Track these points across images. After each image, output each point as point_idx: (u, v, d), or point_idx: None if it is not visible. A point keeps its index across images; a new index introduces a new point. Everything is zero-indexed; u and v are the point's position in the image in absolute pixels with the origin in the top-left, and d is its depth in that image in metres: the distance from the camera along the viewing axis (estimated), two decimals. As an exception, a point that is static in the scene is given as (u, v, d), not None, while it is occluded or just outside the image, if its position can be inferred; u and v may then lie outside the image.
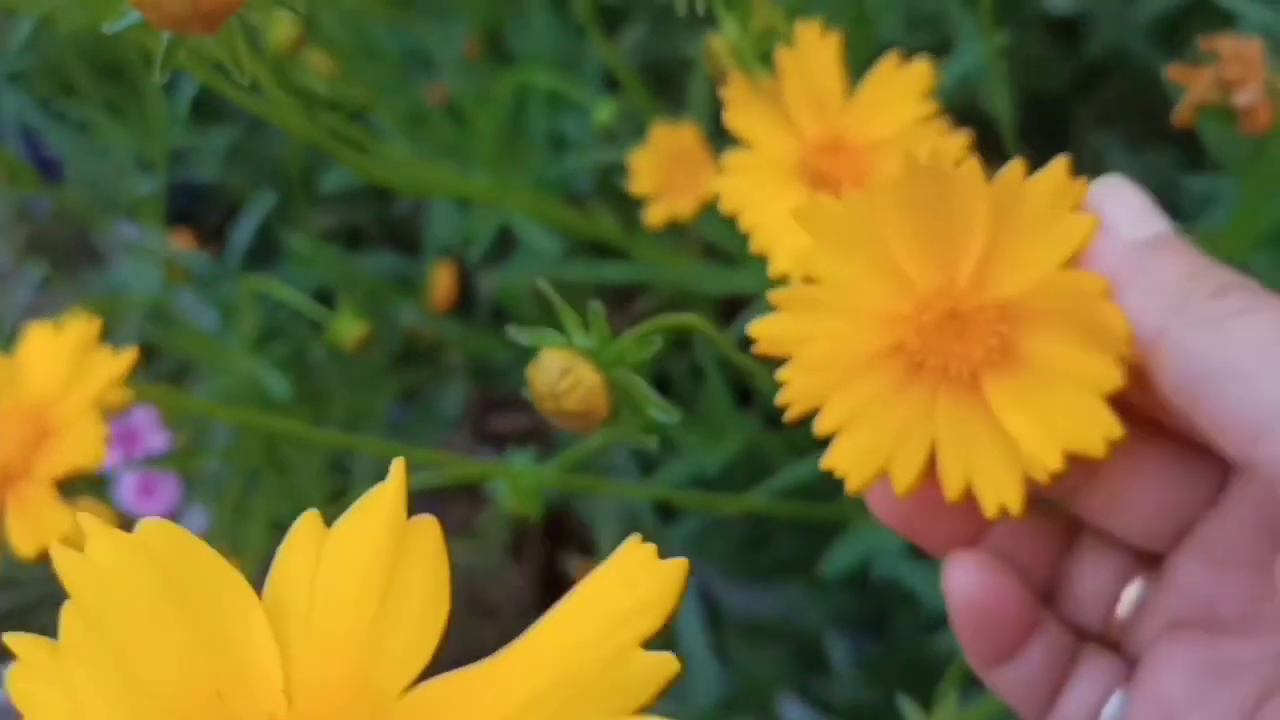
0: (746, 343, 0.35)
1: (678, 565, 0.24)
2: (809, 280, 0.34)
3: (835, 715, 0.96)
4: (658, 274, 0.74)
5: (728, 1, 0.45)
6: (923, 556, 0.89)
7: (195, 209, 1.03)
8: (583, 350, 0.35)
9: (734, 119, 0.46)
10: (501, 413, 1.18)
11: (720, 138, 0.77)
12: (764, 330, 0.34)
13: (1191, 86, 0.55)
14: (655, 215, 0.69)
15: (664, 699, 0.82)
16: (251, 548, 0.74)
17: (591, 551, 1.00)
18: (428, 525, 0.26)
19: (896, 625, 1.01)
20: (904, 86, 0.46)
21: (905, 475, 0.34)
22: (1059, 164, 0.32)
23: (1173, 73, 0.56)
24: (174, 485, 0.73)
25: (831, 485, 0.79)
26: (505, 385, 1.12)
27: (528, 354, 0.97)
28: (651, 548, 0.24)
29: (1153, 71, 0.66)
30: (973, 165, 0.32)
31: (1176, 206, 0.96)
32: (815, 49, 0.44)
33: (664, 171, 0.70)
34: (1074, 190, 0.32)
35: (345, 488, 0.85)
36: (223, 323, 0.88)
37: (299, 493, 0.82)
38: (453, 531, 0.87)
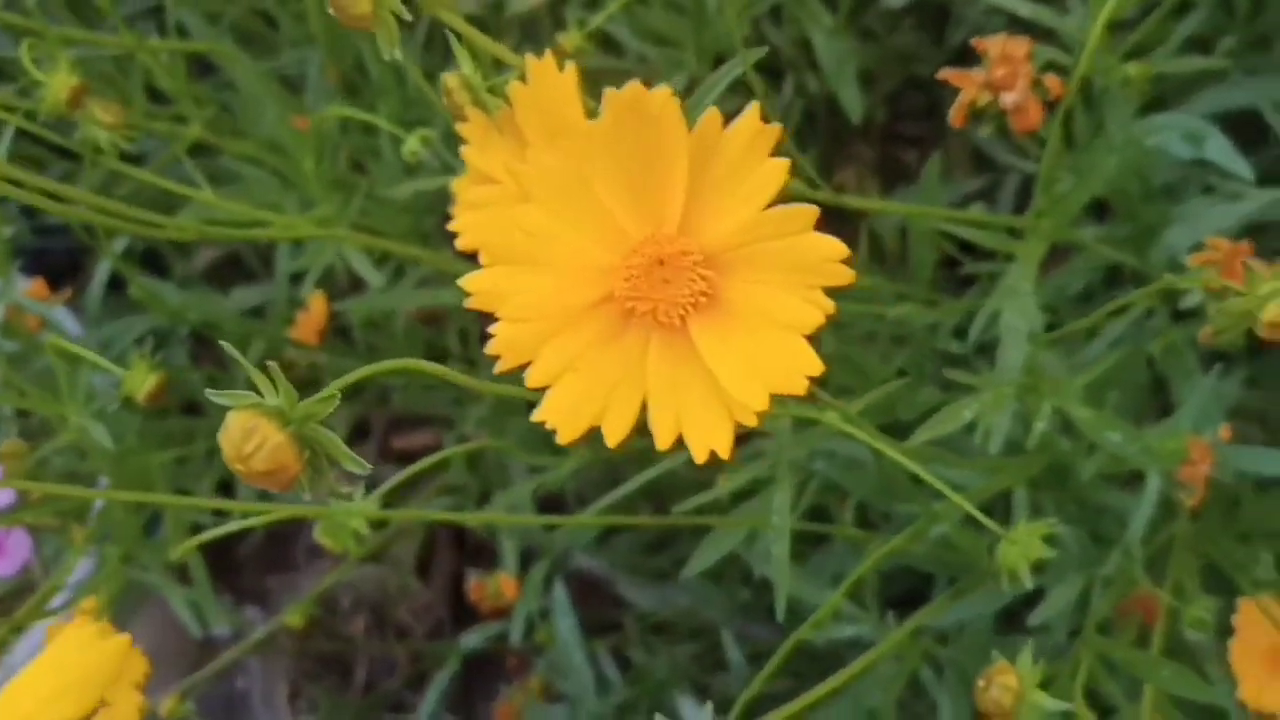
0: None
1: (115, 646, 0.25)
2: (523, 234, 0.34)
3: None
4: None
5: (459, 37, 0.45)
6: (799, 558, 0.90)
7: (47, 254, 1.02)
8: (269, 410, 0.35)
9: (473, 155, 0.46)
10: (405, 432, 1.19)
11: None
12: (474, 284, 0.35)
13: (963, 89, 0.56)
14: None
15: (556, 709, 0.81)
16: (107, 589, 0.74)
17: (498, 562, 1.01)
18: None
19: (792, 618, 1.01)
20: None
21: (617, 426, 0.35)
22: (751, 111, 0.32)
23: (944, 76, 0.57)
24: (23, 538, 0.74)
25: (695, 484, 0.79)
26: (406, 405, 1.12)
27: (413, 378, 0.96)
28: (94, 627, 0.25)
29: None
30: (672, 109, 0.33)
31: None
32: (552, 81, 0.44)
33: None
34: (767, 136, 0.33)
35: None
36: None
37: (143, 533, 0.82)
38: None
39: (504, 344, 0.35)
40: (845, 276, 0.33)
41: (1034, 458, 0.73)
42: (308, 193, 0.72)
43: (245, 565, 1.19)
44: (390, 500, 0.70)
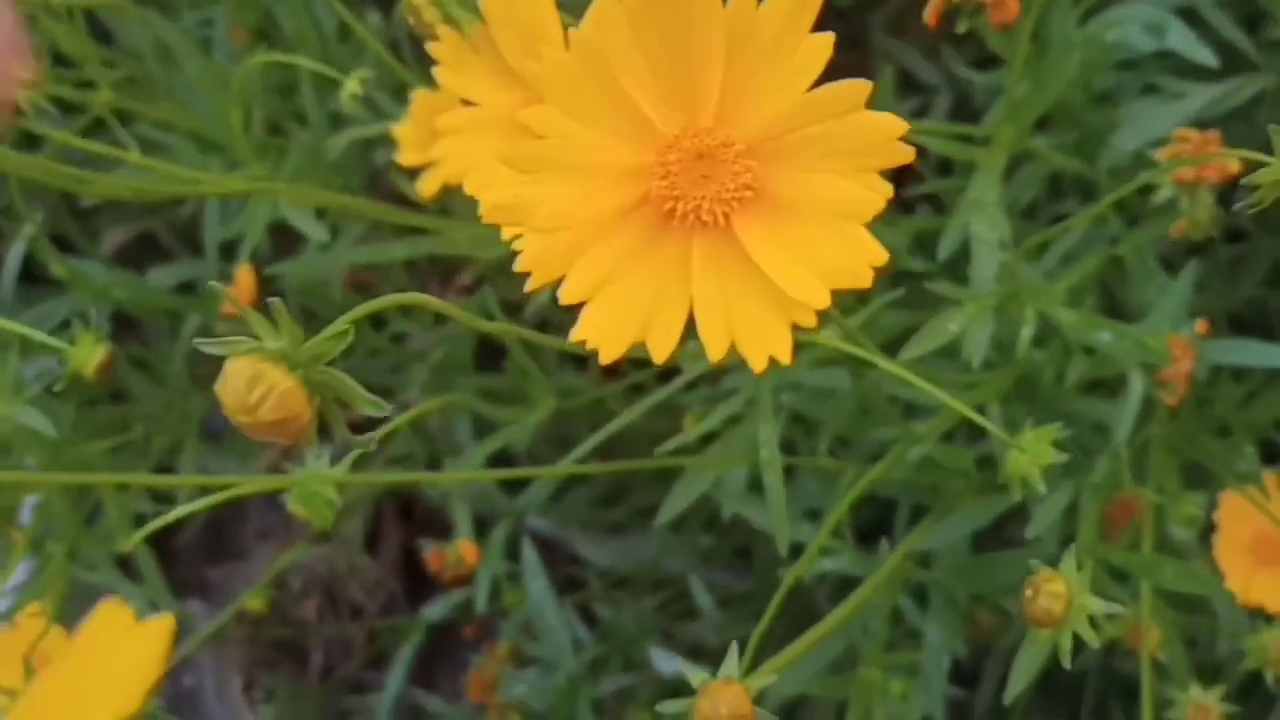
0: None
1: (159, 627, 0.21)
2: (542, 137, 0.31)
3: (706, 658, 0.96)
4: (446, 245, 0.71)
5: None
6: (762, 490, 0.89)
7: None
8: (273, 354, 0.32)
9: (448, 77, 0.43)
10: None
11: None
12: (495, 196, 0.31)
13: (938, -14, 0.55)
14: (427, 186, 0.66)
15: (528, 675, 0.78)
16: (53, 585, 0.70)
17: (448, 532, 0.98)
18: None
19: (759, 559, 1.00)
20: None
21: (664, 341, 0.32)
22: None
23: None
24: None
25: (665, 431, 0.77)
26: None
27: (354, 344, 0.93)
28: (129, 611, 0.21)
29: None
30: None
31: (972, 101, 0.96)
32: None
33: (431, 140, 0.67)
34: (808, 9, 0.30)
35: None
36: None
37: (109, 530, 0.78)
38: (306, 535, 0.83)
39: (534, 259, 0.31)
40: (906, 155, 0.30)
41: (1007, 371, 0.72)
42: (234, 154, 0.68)
43: (183, 557, 1.14)
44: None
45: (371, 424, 0.35)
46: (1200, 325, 0.66)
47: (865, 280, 0.30)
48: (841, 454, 0.90)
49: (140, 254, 1.08)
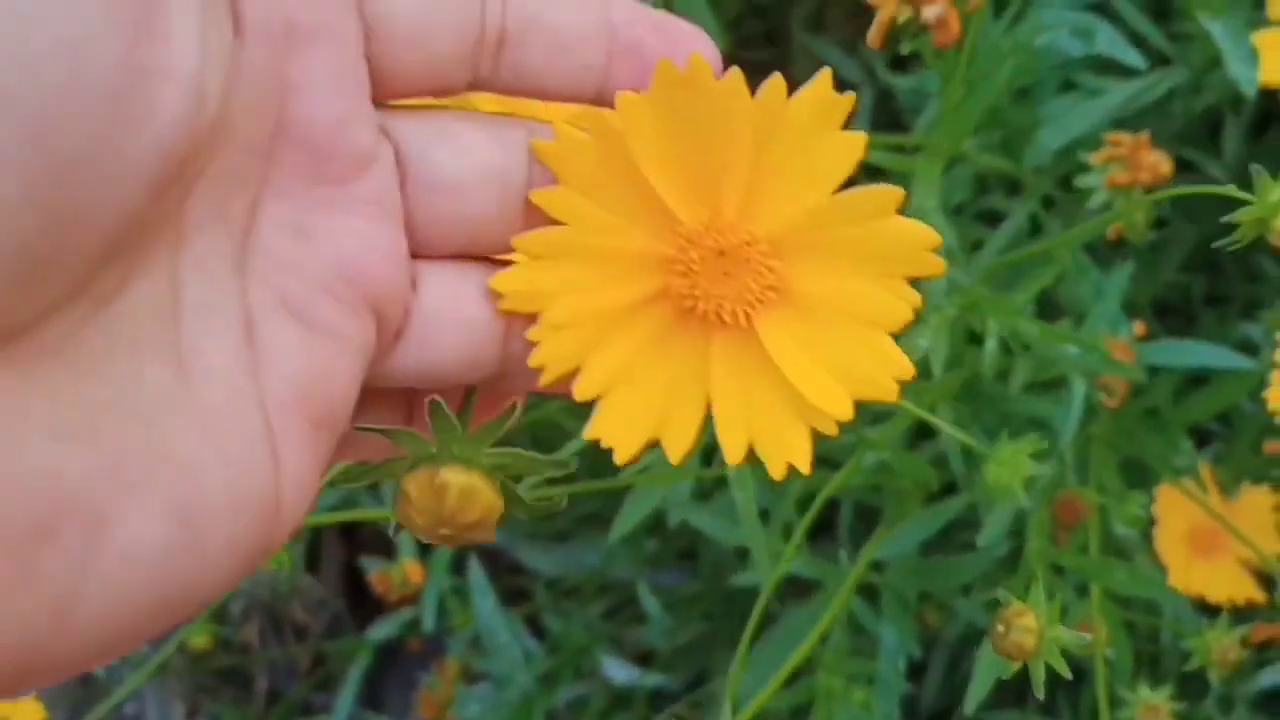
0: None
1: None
2: (558, 224, 0.29)
3: (656, 663, 0.97)
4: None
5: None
6: (708, 498, 0.89)
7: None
8: (444, 457, 0.29)
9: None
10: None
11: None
12: (508, 283, 0.29)
13: (882, 6, 0.55)
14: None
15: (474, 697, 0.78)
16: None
17: (391, 550, 0.97)
18: None
19: (705, 560, 1.01)
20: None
21: (680, 441, 0.30)
22: (823, 77, 0.28)
23: (867, -2, 0.55)
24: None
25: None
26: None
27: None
28: None
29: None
30: (736, 77, 0.28)
31: (893, 102, 0.97)
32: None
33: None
34: (840, 106, 0.29)
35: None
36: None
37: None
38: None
39: (550, 353, 0.30)
40: (936, 266, 0.29)
41: (953, 376, 0.73)
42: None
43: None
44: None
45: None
46: (1138, 326, 0.68)
47: (891, 394, 0.29)
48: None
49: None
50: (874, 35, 0.54)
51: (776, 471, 0.29)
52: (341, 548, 1.12)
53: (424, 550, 0.94)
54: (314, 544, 1.12)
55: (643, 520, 0.97)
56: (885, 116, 1.00)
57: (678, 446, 0.30)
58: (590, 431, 0.30)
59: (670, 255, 0.29)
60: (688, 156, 0.29)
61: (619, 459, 0.30)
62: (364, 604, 1.09)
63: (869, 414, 0.79)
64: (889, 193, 0.28)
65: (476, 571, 0.86)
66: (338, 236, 0.27)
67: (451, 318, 0.29)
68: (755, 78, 0.30)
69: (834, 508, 0.91)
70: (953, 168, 0.84)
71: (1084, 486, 0.69)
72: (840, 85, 0.28)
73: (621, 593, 1.03)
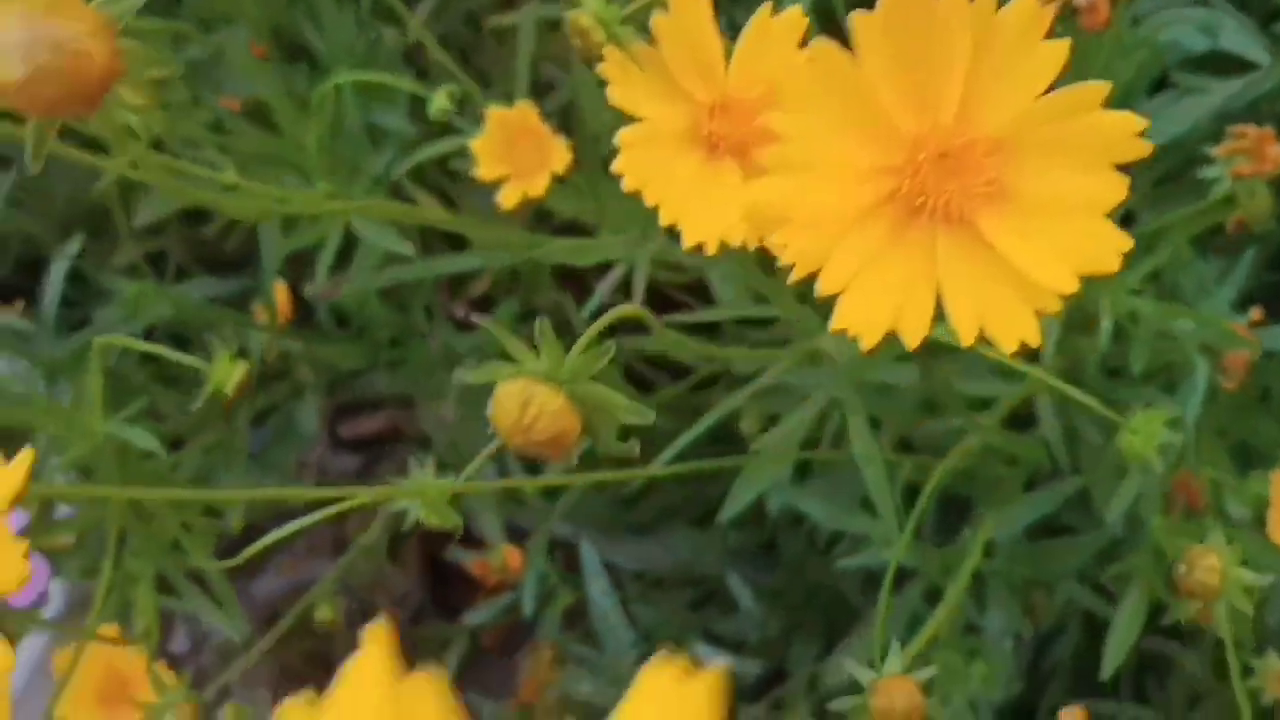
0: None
1: (711, 681, 0.20)
2: (792, 142, 0.33)
3: (747, 654, 0.97)
4: (498, 258, 0.72)
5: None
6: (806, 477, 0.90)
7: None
8: (539, 373, 0.33)
9: (617, 94, 0.44)
10: (353, 418, 1.14)
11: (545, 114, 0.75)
12: (759, 193, 0.33)
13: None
14: (509, 198, 0.67)
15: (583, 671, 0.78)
16: (143, 610, 0.70)
17: (475, 540, 0.98)
18: (423, 683, 0.23)
19: (787, 553, 1.02)
20: (780, 35, 0.45)
21: (916, 325, 0.34)
22: None
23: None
24: (40, 563, 0.68)
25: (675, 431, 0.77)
26: (351, 391, 1.08)
27: (378, 355, 0.93)
28: (676, 666, 0.20)
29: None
30: None
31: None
32: (689, 10, 0.43)
33: (507, 153, 0.68)
34: (1043, 16, 0.32)
35: (221, 530, 0.81)
36: (48, 385, 0.82)
37: (172, 544, 0.77)
38: (322, 549, 0.83)
39: (797, 253, 0.33)
40: (1144, 149, 0.32)
41: (1054, 361, 0.75)
42: (305, 172, 0.68)
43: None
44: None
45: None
46: (1255, 312, 0.69)
47: (1114, 265, 0.32)
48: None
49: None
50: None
51: (1008, 347, 0.33)
52: (420, 540, 1.13)
53: (516, 538, 0.95)
54: (392, 539, 1.13)
55: (744, 510, 0.99)
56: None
57: (915, 332, 0.34)
58: (837, 322, 0.33)
59: (896, 163, 0.33)
60: (910, 69, 0.32)
61: (865, 345, 0.33)
62: (445, 596, 1.11)
63: (969, 402, 0.80)
64: (1096, 88, 0.32)
65: (589, 553, 0.87)
66: None
67: None
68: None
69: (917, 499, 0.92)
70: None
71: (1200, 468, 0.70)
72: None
73: (704, 586, 1.04)
